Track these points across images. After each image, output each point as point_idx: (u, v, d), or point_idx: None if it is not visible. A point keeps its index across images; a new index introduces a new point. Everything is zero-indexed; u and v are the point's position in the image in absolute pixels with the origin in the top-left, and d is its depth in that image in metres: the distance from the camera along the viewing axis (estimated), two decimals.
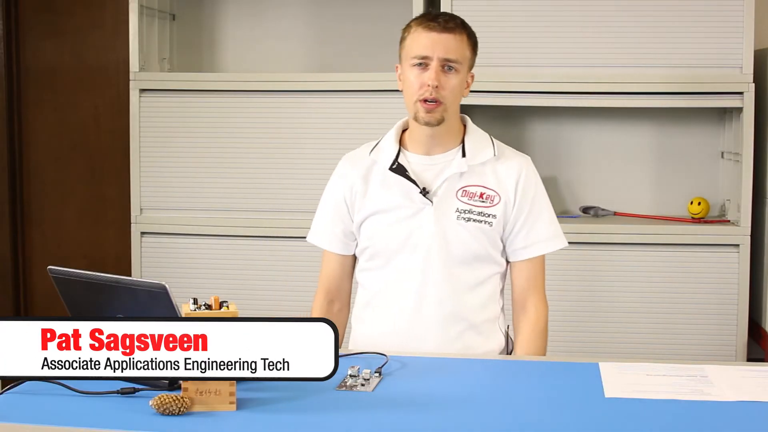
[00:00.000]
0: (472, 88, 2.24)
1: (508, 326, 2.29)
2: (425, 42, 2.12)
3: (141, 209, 3.48)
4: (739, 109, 3.20)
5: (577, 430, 1.54)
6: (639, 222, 3.35)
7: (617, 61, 3.22)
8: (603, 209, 3.49)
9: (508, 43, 3.25)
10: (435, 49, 2.11)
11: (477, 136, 2.24)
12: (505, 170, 2.20)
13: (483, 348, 2.19)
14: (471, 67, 2.20)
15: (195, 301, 1.63)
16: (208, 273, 3.44)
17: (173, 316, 1.64)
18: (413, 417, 1.60)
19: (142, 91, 3.44)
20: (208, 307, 1.62)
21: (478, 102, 3.22)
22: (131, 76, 3.45)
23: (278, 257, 3.39)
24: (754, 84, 3.14)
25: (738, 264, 3.18)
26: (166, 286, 1.63)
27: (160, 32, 3.64)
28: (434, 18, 2.15)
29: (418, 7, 3.26)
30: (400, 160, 2.19)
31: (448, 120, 2.16)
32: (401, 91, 2.20)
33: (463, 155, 2.18)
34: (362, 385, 1.76)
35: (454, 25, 2.14)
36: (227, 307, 1.63)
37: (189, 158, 3.44)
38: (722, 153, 3.48)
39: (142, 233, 3.48)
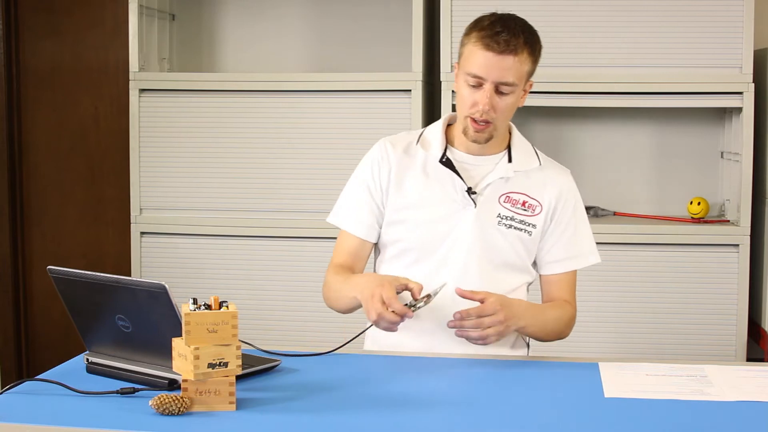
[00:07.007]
0: None
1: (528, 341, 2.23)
2: (481, 62, 2.00)
3: (141, 209, 3.48)
4: (739, 109, 3.20)
5: (576, 430, 1.54)
6: (639, 222, 3.35)
7: (617, 61, 3.22)
8: (603, 209, 3.49)
9: None
10: (490, 73, 2.00)
11: (522, 143, 2.17)
12: (549, 181, 2.14)
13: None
14: (530, 75, 2.09)
15: (195, 301, 1.62)
16: (208, 273, 3.44)
17: (173, 316, 1.64)
18: (413, 417, 1.60)
19: (142, 91, 3.44)
20: (208, 307, 1.62)
21: None
22: (131, 76, 3.45)
23: (278, 257, 3.39)
24: (753, 84, 3.14)
25: (738, 264, 3.18)
26: (166, 286, 1.63)
27: (160, 32, 3.64)
28: (495, 36, 1.99)
29: (418, 7, 3.26)
30: (447, 154, 2.12)
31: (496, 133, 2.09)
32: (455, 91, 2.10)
33: (509, 161, 2.12)
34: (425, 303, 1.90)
35: (515, 45, 2.00)
36: (227, 307, 1.62)
37: (189, 158, 3.44)
38: (722, 153, 3.48)
39: (142, 233, 3.47)
